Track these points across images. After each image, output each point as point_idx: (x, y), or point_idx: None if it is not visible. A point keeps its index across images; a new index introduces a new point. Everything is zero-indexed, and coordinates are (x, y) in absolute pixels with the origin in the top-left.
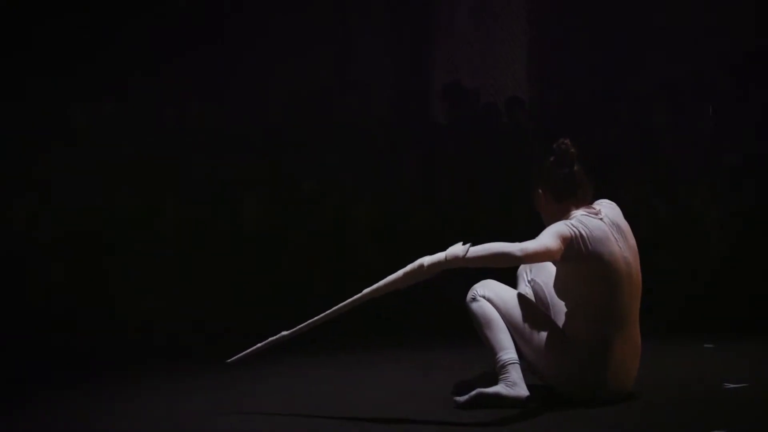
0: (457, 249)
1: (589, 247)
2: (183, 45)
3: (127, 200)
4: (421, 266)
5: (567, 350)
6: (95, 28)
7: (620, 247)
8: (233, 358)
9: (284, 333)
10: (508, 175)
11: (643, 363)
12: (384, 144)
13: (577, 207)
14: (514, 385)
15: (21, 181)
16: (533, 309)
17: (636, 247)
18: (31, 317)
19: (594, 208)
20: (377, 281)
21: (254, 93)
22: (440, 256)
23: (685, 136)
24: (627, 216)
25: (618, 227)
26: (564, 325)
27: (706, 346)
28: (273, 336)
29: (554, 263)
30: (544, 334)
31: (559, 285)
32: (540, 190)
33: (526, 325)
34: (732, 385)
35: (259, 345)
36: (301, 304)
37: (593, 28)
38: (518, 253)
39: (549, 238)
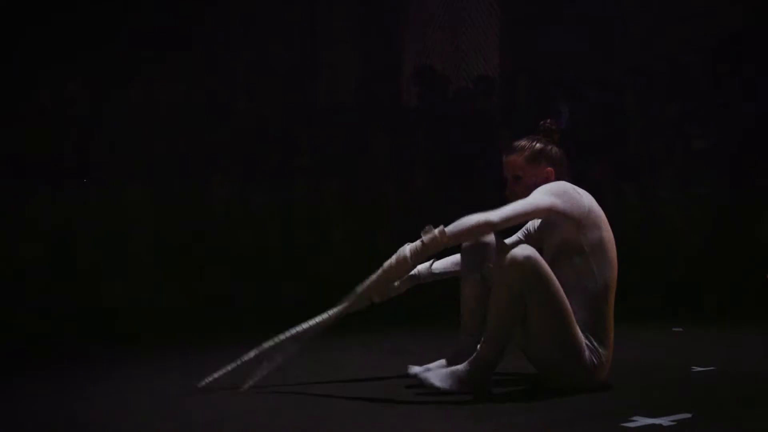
0: (433, 232)
1: (590, 202)
2: (155, 26)
3: (96, 184)
4: (405, 258)
5: (581, 359)
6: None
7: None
8: (205, 382)
9: (264, 346)
10: (479, 159)
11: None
12: (354, 127)
13: None
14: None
15: None
16: (569, 308)
17: None
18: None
19: None
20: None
21: (222, 74)
22: (418, 244)
23: (655, 120)
24: (596, 199)
25: None
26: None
27: (674, 329)
28: (251, 352)
29: (551, 234)
30: (567, 337)
31: (563, 263)
32: (549, 168)
33: (561, 312)
34: (699, 369)
35: (232, 365)
36: (271, 289)
37: (565, 13)
38: (495, 219)
39: (538, 194)
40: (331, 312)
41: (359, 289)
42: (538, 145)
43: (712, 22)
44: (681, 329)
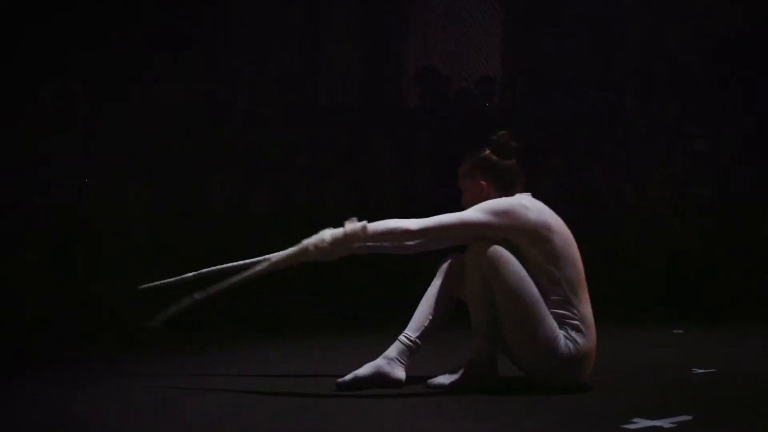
0: (355, 225)
1: (534, 213)
2: (155, 27)
3: (98, 181)
4: (325, 244)
5: (557, 347)
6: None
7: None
8: (154, 320)
9: (196, 295)
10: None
11: (613, 348)
12: (354, 127)
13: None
14: (392, 362)
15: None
16: (537, 291)
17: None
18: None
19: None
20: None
21: (222, 75)
22: (339, 232)
23: (655, 121)
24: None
25: None
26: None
27: (675, 331)
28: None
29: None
30: (537, 326)
31: (527, 266)
32: (482, 182)
33: (531, 306)
34: (699, 370)
35: (175, 307)
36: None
37: (565, 13)
38: (414, 227)
39: (472, 210)
40: (249, 269)
41: (273, 257)
42: (476, 158)
43: (712, 22)
44: (681, 331)
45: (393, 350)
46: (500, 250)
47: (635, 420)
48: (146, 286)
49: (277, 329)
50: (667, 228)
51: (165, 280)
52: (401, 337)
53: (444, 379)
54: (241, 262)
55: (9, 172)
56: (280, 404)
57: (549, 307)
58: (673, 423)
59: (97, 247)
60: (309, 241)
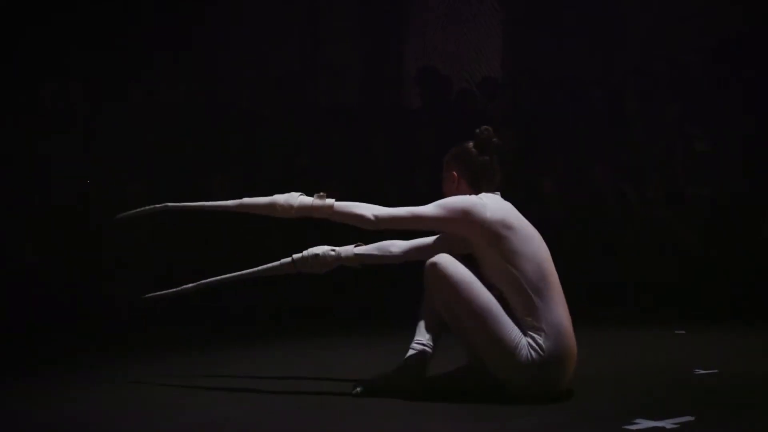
0: (324, 201)
1: (492, 212)
2: (155, 27)
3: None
4: (291, 206)
5: (518, 356)
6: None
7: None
8: (149, 295)
9: (187, 286)
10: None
11: (614, 348)
12: (355, 128)
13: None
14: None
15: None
16: (490, 298)
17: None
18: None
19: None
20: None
21: (222, 75)
22: (307, 200)
23: (656, 122)
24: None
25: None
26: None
27: (677, 331)
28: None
29: (468, 244)
30: (495, 336)
31: (488, 270)
32: (455, 173)
33: (482, 315)
34: (702, 371)
35: (171, 291)
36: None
37: (565, 13)
38: (370, 216)
39: (431, 205)
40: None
41: (246, 200)
42: (456, 149)
43: (712, 22)
44: (683, 331)
45: (412, 358)
46: (441, 263)
47: (637, 421)
48: (150, 296)
49: (280, 329)
50: (667, 228)
51: (167, 291)
52: (415, 345)
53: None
54: (237, 273)
55: (9, 173)
56: (279, 404)
57: (511, 314)
58: (675, 424)
59: (96, 247)
60: (279, 197)
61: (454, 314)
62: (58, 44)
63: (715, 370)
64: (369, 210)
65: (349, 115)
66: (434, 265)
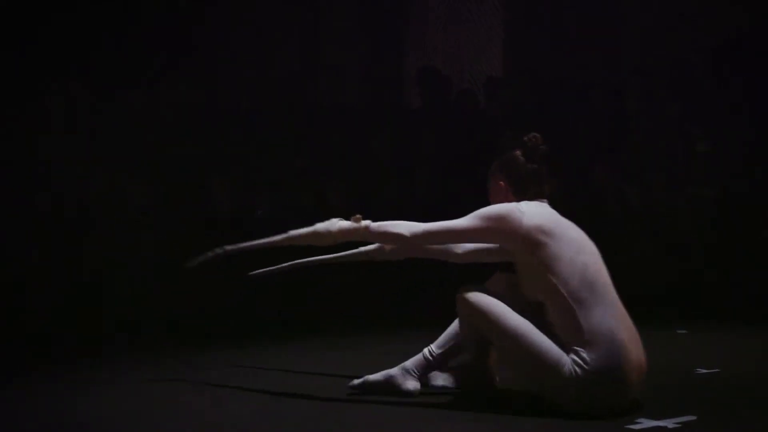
0: (359, 224)
1: (529, 219)
2: (156, 28)
3: (98, 183)
4: (330, 233)
5: (562, 375)
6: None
7: (569, 226)
8: (256, 272)
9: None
10: (483, 161)
11: None
12: (356, 128)
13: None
14: (406, 373)
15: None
16: (521, 319)
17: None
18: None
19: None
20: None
21: (224, 76)
22: (346, 225)
23: (657, 123)
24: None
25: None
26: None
27: (678, 331)
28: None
29: (510, 255)
30: (537, 358)
31: (528, 281)
32: (502, 183)
33: (515, 335)
34: (704, 371)
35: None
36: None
37: (567, 13)
38: (407, 233)
39: (470, 216)
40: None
41: (292, 233)
42: (503, 157)
43: (714, 22)
44: (685, 331)
45: (411, 362)
46: (469, 297)
47: (639, 420)
48: (255, 273)
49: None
50: (668, 228)
51: (270, 268)
52: (425, 350)
53: (439, 380)
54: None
55: (11, 172)
56: (280, 404)
57: (551, 331)
58: (677, 423)
59: (97, 248)
60: (319, 226)
61: (493, 339)
62: (59, 45)
63: (717, 370)
64: (406, 228)
65: (350, 115)
66: (462, 297)
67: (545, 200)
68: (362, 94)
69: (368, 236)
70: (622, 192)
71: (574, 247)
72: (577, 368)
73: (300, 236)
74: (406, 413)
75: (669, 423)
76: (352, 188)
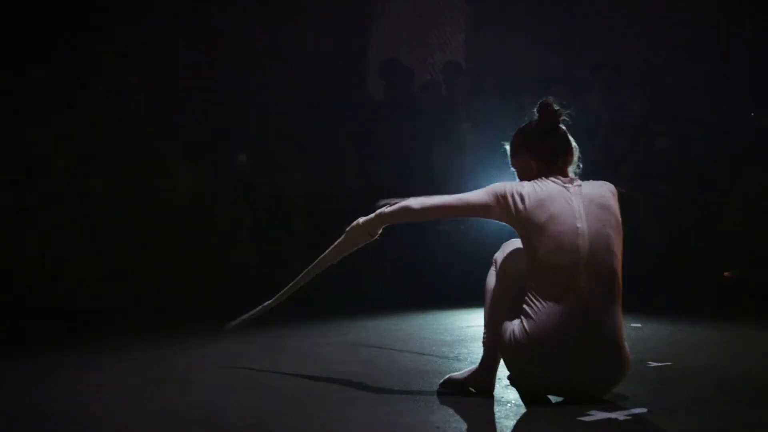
0: (383, 209)
1: (527, 205)
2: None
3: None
4: (357, 224)
5: (504, 337)
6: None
7: (577, 218)
8: (232, 323)
9: (266, 303)
10: (445, 150)
11: None
12: (321, 118)
13: (565, 173)
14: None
15: None
16: (499, 284)
17: (613, 234)
18: None
19: (574, 179)
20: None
21: (189, 65)
22: (371, 215)
23: (620, 118)
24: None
25: (592, 203)
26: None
27: (632, 325)
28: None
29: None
30: (498, 316)
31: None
32: (527, 157)
33: (505, 305)
34: (655, 364)
35: (252, 312)
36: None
37: (533, 7)
38: (415, 206)
39: (478, 190)
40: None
41: (326, 254)
42: (520, 131)
43: (681, 20)
44: (639, 325)
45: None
46: (498, 257)
47: (591, 413)
48: (233, 323)
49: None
50: (630, 224)
51: (249, 314)
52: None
53: (454, 374)
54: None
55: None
56: (279, 395)
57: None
58: (628, 415)
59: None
60: (349, 228)
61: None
62: (25, 31)
63: (669, 363)
64: (415, 201)
65: (316, 106)
66: (506, 250)
67: (567, 177)
68: (327, 86)
69: (386, 218)
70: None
71: (555, 244)
72: (517, 332)
73: (335, 250)
74: (406, 410)
75: (620, 415)
76: (314, 178)
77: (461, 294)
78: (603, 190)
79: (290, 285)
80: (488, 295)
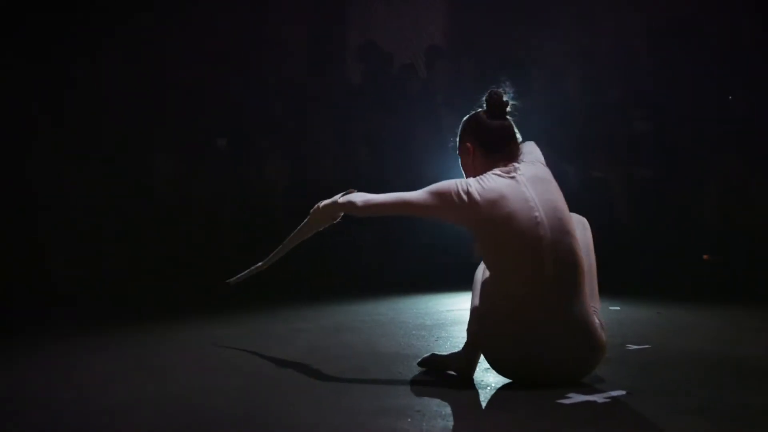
0: (337, 197)
1: (481, 205)
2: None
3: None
4: (318, 207)
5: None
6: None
7: (533, 207)
8: (234, 279)
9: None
10: (421, 137)
11: None
12: (299, 103)
13: (506, 163)
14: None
15: None
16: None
17: (563, 207)
18: None
19: (513, 166)
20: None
21: (167, 51)
22: (329, 201)
23: (598, 102)
24: None
25: (537, 183)
26: (487, 295)
27: (611, 308)
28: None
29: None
30: (476, 293)
31: (478, 251)
32: (468, 144)
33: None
34: (634, 346)
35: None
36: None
37: None
38: (359, 202)
39: (421, 190)
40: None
41: (291, 236)
42: (466, 119)
43: (659, 4)
44: (618, 308)
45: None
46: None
47: (570, 395)
48: (233, 279)
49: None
50: (608, 208)
51: (245, 272)
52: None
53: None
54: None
55: None
56: (258, 378)
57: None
58: (606, 398)
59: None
60: (312, 210)
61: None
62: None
63: (647, 346)
64: (359, 197)
65: (294, 91)
66: None
67: (512, 165)
68: (305, 70)
69: (337, 208)
70: (564, 173)
71: (519, 240)
72: (484, 321)
73: (300, 231)
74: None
75: (599, 398)
76: (292, 163)
77: (442, 278)
78: (536, 163)
79: (265, 260)
80: (476, 286)
